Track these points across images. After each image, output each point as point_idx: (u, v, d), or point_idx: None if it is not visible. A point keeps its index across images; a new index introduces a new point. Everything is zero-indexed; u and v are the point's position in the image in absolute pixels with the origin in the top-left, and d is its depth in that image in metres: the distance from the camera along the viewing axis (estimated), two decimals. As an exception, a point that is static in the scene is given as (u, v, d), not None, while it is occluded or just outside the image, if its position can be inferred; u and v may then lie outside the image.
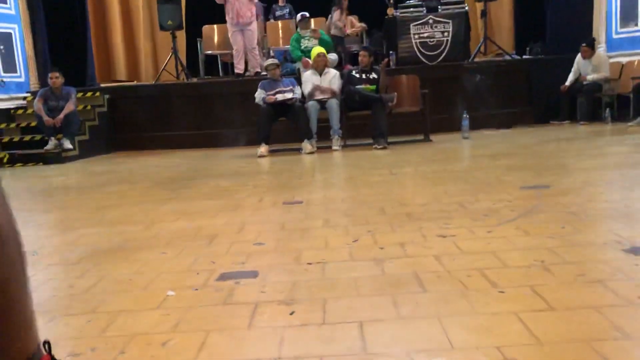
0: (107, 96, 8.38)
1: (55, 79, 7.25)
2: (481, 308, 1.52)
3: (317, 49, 6.95)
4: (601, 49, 8.45)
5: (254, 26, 8.33)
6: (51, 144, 7.02)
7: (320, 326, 1.48)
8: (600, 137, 6.14)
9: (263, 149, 6.34)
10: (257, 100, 6.57)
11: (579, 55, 8.03)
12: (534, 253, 1.98)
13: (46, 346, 1.06)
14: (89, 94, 8.35)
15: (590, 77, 7.82)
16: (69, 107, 7.18)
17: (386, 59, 7.13)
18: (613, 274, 1.71)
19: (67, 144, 7.11)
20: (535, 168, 4.05)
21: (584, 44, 7.97)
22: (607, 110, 7.81)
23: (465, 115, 6.92)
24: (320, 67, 6.83)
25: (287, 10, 10.09)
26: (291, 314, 1.58)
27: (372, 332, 1.41)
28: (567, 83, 8.06)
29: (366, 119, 6.58)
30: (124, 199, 3.90)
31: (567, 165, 4.12)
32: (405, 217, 2.69)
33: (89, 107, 8.11)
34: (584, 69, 7.98)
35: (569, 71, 8.36)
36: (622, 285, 1.60)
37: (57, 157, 6.99)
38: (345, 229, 2.54)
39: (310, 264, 2.04)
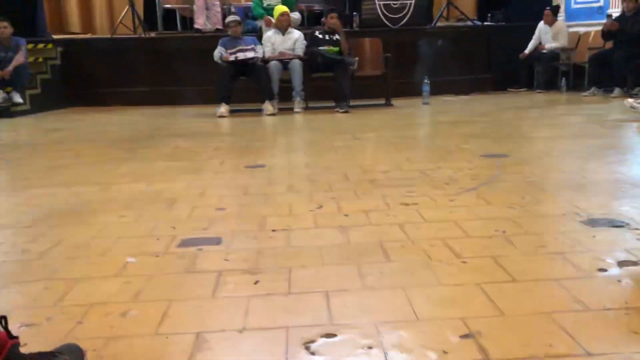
0: (60, 49, 7.99)
1: (4, 28, 6.85)
2: (445, 279, 1.54)
3: (280, 7, 6.77)
4: (561, 18, 8.55)
5: None
6: (-1, 97, 6.69)
7: (285, 296, 1.47)
8: (556, 106, 6.28)
9: (223, 108, 6.21)
10: (215, 58, 6.39)
11: (541, 22, 8.12)
12: (495, 223, 2.02)
13: (2, 322, 1.01)
14: (40, 45, 7.94)
15: (549, 45, 7.93)
16: (19, 59, 6.83)
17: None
18: (572, 245, 1.76)
19: (17, 98, 6.79)
20: (494, 136, 4.11)
21: (547, 8, 8.06)
22: (563, 79, 7.97)
23: (426, 81, 6.94)
24: (283, 27, 6.67)
25: None
26: (256, 283, 1.56)
27: (338, 303, 1.41)
28: (527, 51, 8.17)
29: (329, 81, 6.51)
30: (80, 158, 3.76)
31: (524, 134, 4.20)
32: (368, 184, 2.69)
33: (40, 59, 7.73)
34: (544, 36, 8.07)
35: (529, 39, 8.45)
36: (581, 257, 1.65)
37: (6, 112, 6.66)
38: (310, 195, 2.52)
39: (274, 231, 2.02)
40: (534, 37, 8.16)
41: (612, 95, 6.82)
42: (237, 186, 2.75)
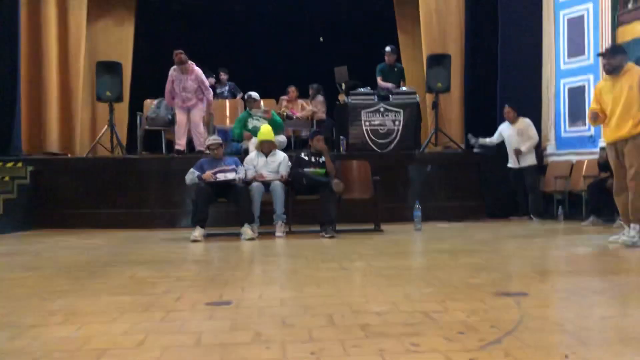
0: (30, 168, 7.59)
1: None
2: None
3: (265, 130, 6.48)
4: (551, 146, 8.43)
5: (200, 106, 7.90)
6: (-46, 217, 6.13)
7: None
8: (559, 236, 5.83)
9: (197, 232, 5.67)
10: (187, 180, 5.96)
11: (502, 124, 7.96)
12: (543, 400, 1.42)
13: None
14: (9, 164, 7.55)
15: (524, 147, 7.63)
16: (-19, 177, 6.36)
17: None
18: None
19: (-29, 219, 6.23)
20: (503, 269, 3.57)
21: (506, 105, 7.86)
22: (560, 207, 7.63)
23: (417, 206, 6.53)
24: (265, 151, 6.36)
25: (227, 88, 9.80)
26: None
27: None
28: (479, 141, 7.97)
29: (314, 205, 6.06)
30: (10, 291, 3.12)
31: (537, 268, 3.66)
32: (360, 332, 2.09)
33: (7, 179, 7.28)
34: (509, 136, 7.80)
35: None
36: None
37: (-42, 233, 6.08)
38: (282, 348, 1.91)
39: (225, 409, 1.39)
40: (495, 135, 7.94)
41: (615, 225, 6.41)
42: (188, 332, 2.13)
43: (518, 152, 7.68)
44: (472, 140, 8.11)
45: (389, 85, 8.86)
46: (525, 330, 2.08)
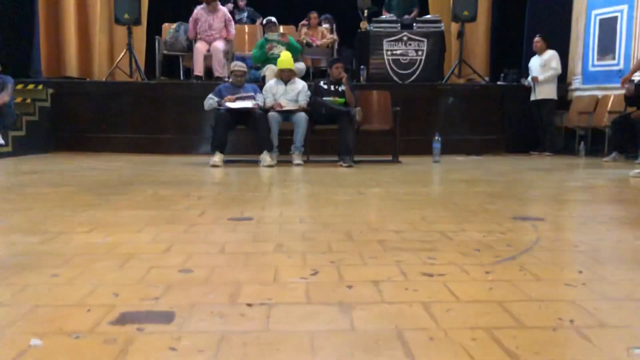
0: (50, 90, 7.63)
1: (-10, 67, 6.52)
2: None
3: (284, 57, 6.38)
4: (577, 80, 8.23)
5: (222, 40, 7.94)
6: (-20, 137, 6.27)
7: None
8: (578, 170, 5.79)
9: (217, 157, 5.73)
10: (206, 106, 5.97)
11: (532, 59, 7.81)
12: (555, 307, 1.46)
13: None
14: (30, 86, 7.60)
15: (542, 76, 7.53)
16: (3, 97, 6.44)
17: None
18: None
19: (-1, 139, 6.36)
20: (521, 197, 3.58)
21: (538, 35, 7.71)
22: (582, 143, 7.54)
23: (437, 138, 6.50)
24: (285, 78, 6.30)
25: (246, 14, 9.60)
26: (208, 393, 1.00)
27: None
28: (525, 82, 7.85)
29: (332, 134, 6.07)
30: (39, 202, 3.23)
31: (555, 197, 3.67)
32: (377, 246, 2.15)
33: (28, 101, 7.36)
34: (533, 66, 7.69)
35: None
36: None
37: (-15, 153, 6.23)
38: (303, 257, 1.97)
39: (250, 305, 1.46)
40: (530, 75, 7.79)
41: (637, 161, 6.35)
42: (212, 242, 2.20)
43: (535, 80, 7.55)
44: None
45: (389, 15, 8.54)
46: (540, 249, 2.12)
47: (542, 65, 7.57)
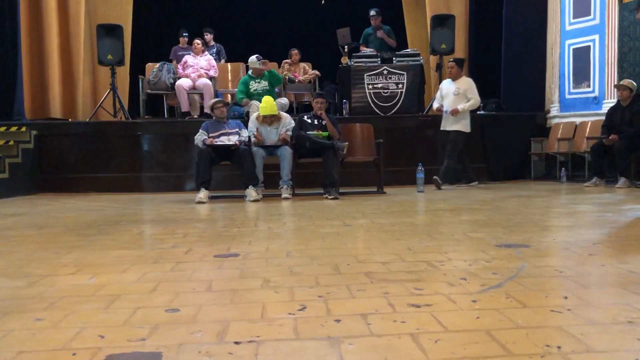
0: (34, 132, 7.62)
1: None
2: None
3: (266, 103, 6.30)
4: (554, 108, 8.41)
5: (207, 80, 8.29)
6: (-41, 180, 6.20)
7: None
8: (560, 196, 5.86)
9: (202, 194, 5.73)
10: (196, 142, 5.99)
11: (444, 82, 7.24)
12: (542, 334, 1.47)
13: None
14: (13, 128, 7.57)
15: (461, 106, 6.83)
16: (-15, 140, 6.40)
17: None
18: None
19: (-21, 182, 6.29)
20: (505, 224, 3.62)
21: (450, 61, 7.12)
22: (563, 169, 7.66)
23: (420, 168, 6.56)
24: (269, 124, 6.29)
25: (215, 49, 9.66)
26: None
27: None
28: (435, 107, 7.19)
29: (317, 167, 6.11)
30: (22, 245, 3.19)
31: (538, 223, 3.71)
32: (365, 278, 2.15)
33: (11, 143, 7.32)
34: (448, 93, 7.01)
35: (524, 128, 8.26)
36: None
37: (-34, 196, 6.15)
38: (290, 292, 1.97)
39: (238, 343, 1.45)
40: (436, 97, 7.28)
41: (617, 185, 6.47)
42: (199, 280, 2.19)
43: (454, 114, 6.88)
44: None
45: (369, 50, 8.64)
46: (526, 276, 2.14)
47: (456, 94, 6.96)
